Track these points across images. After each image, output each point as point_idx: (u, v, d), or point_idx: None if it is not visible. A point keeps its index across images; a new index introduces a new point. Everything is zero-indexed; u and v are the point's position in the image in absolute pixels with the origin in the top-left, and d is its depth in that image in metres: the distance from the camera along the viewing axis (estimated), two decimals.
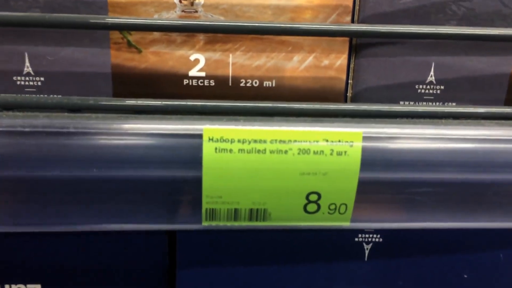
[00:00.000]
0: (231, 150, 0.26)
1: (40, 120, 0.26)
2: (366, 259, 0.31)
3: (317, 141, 0.26)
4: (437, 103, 0.30)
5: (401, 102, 0.30)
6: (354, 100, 0.30)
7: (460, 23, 0.28)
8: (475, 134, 0.26)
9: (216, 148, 0.26)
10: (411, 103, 0.30)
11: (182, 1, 0.27)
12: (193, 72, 0.29)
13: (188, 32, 0.27)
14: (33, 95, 0.27)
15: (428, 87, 0.29)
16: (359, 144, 0.26)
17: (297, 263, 0.31)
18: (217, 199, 0.27)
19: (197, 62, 0.29)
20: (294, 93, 0.29)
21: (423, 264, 0.31)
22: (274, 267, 0.31)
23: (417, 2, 0.27)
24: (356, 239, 0.30)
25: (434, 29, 0.26)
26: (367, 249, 0.30)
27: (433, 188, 0.27)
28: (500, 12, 0.28)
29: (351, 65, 0.29)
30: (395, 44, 0.28)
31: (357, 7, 0.28)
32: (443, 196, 0.27)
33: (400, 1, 0.27)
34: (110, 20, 0.26)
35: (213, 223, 0.28)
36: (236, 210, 0.27)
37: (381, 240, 0.30)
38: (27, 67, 0.28)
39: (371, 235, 0.30)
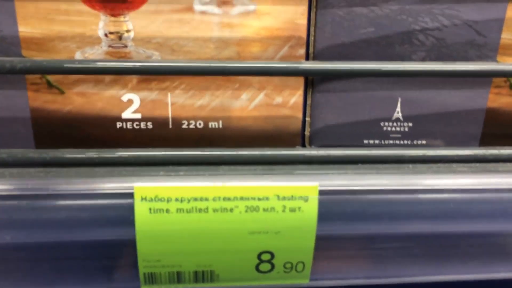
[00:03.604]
0: (167, 210, 0.23)
1: None
2: None
3: (266, 198, 0.23)
4: (405, 141, 0.26)
5: (365, 141, 0.26)
6: (312, 140, 0.26)
7: (429, 55, 0.24)
8: (443, 183, 0.23)
9: (150, 209, 0.23)
10: (376, 141, 0.26)
11: (109, 35, 0.24)
12: (127, 114, 0.25)
13: (117, 74, 0.24)
14: None
15: (395, 124, 0.26)
16: (315, 198, 0.23)
17: None
18: (156, 263, 0.24)
19: (131, 103, 0.25)
20: (243, 135, 0.26)
21: None
22: None
23: (379, 32, 0.24)
24: None
25: (398, 65, 0.23)
26: None
27: (398, 243, 0.24)
28: (474, 42, 0.24)
29: (308, 102, 0.26)
30: (356, 78, 0.25)
31: (312, 38, 0.24)
32: (409, 250, 0.25)
33: (360, 31, 0.24)
34: (20, 63, 0.22)
35: (154, 287, 0.24)
36: (178, 273, 0.24)
37: None
38: None
39: None
